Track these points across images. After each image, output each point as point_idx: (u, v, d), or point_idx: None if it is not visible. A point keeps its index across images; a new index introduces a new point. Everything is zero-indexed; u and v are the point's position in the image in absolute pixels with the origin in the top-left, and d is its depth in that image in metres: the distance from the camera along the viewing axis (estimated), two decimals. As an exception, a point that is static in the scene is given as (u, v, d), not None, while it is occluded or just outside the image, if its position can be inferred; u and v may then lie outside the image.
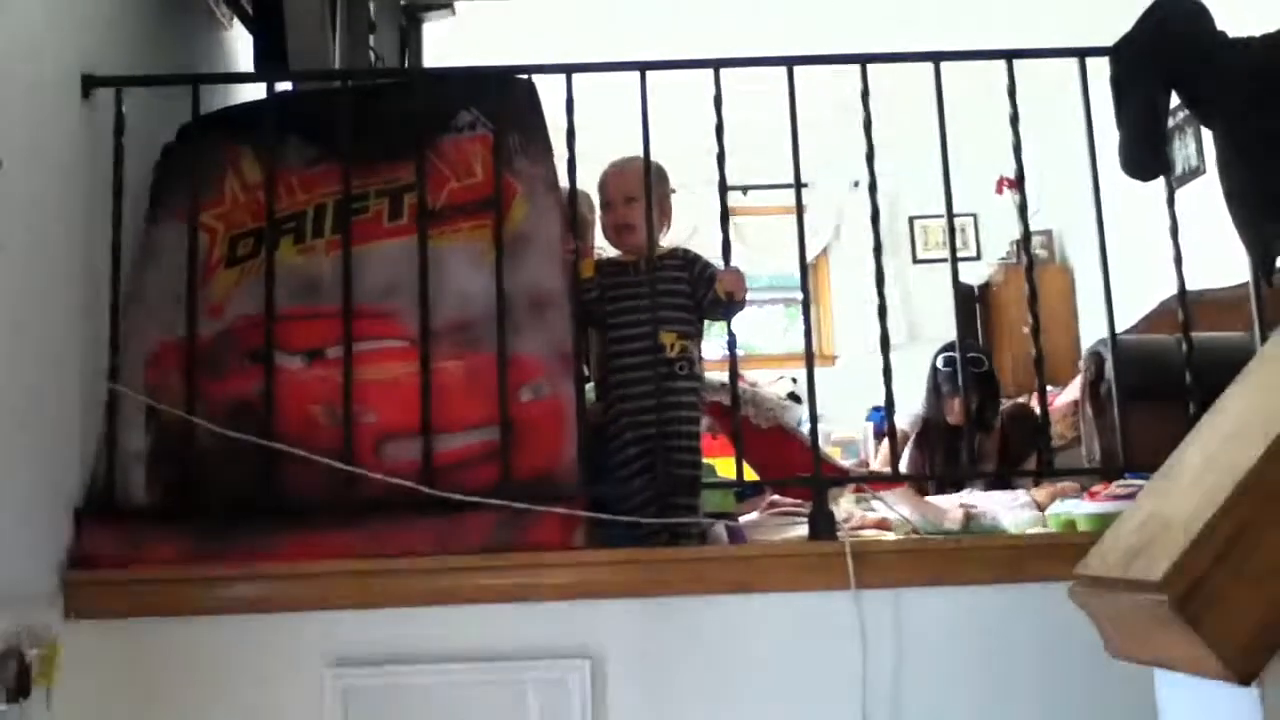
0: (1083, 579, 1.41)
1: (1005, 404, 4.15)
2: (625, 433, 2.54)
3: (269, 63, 3.05)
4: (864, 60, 2.53)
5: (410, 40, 3.32)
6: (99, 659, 2.17)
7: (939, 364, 3.89)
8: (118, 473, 2.34)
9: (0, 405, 1.97)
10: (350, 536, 2.28)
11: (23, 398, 2.08)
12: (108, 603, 2.21)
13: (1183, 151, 4.70)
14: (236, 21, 3.25)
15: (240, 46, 3.29)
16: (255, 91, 2.85)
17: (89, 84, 2.37)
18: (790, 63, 2.50)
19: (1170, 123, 4.39)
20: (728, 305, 2.55)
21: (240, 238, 2.59)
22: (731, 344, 2.52)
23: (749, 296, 2.59)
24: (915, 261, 6.88)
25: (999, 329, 6.47)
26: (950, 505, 2.83)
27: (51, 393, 2.21)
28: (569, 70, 2.49)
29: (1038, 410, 2.56)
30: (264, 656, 2.21)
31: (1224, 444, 1.28)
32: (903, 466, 3.39)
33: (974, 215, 6.67)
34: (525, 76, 2.62)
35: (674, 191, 2.78)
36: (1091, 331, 4.92)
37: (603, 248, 2.85)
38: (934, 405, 3.90)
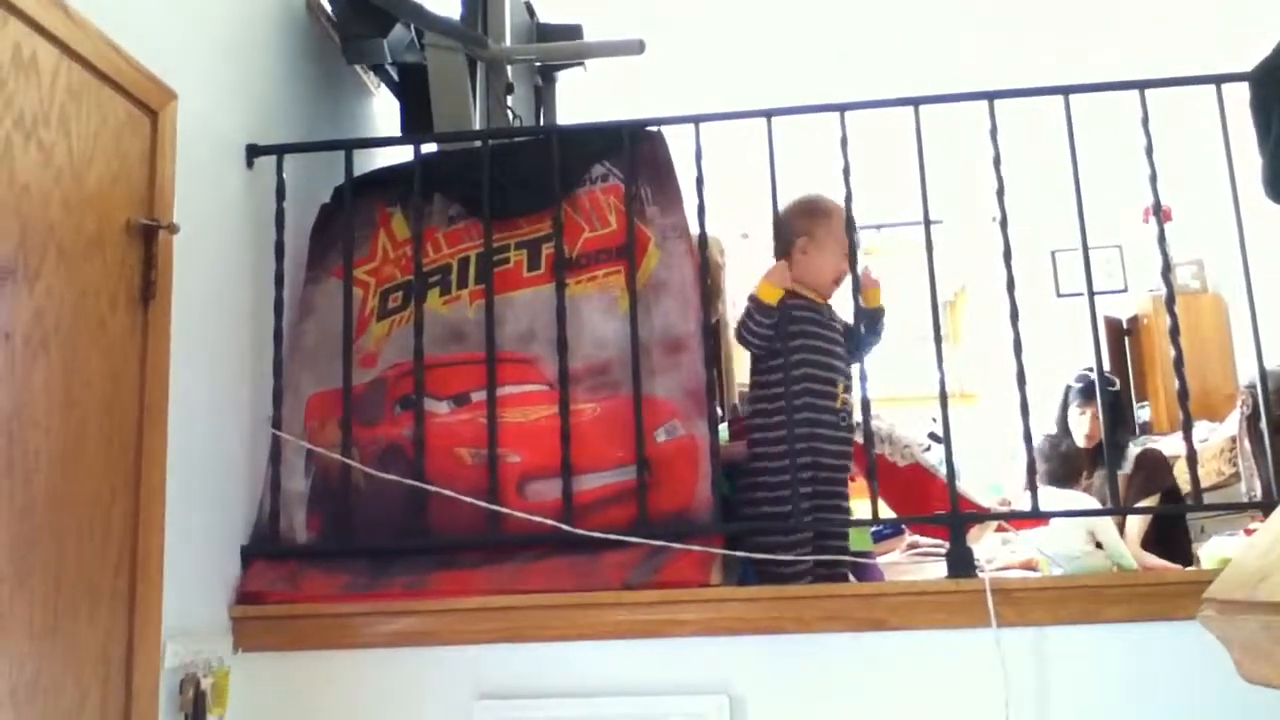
0: (1212, 603, 1.38)
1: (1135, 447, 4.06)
2: (803, 472, 2.44)
3: (415, 126, 3.21)
4: (990, 97, 2.53)
5: (545, 97, 3.45)
6: (264, 689, 2.31)
7: (1072, 382, 3.90)
8: (281, 513, 2.49)
9: (183, 451, 2.13)
10: (495, 573, 2.36)
11: (201, 444, 2.25)
12: (271, 636, 2.35)
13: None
14: (383, 87, 3.45)
15: (382, 110, 3.48)
16: (399, 153, 3.02)
17: (252, 153, 2.57)
18: (916, 103, 2.52)
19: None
20: (870, 329, 2.59)
21: (390, 291, 2.74)
22: (863, 378, 2.51)
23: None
24: (1059, 296, 6.69)
25: (1150, 363, 6.24)
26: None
27: (223, 439, 2.38)
28: (697, 120, 2.56)
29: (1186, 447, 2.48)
30: (416, 688, 2.31)
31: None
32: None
33: (1119, 247, 6.46)
34: (655, 129, 2.71)
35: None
36: (1249, 363, 4.72)
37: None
38: (1063, 426, 3.89)
